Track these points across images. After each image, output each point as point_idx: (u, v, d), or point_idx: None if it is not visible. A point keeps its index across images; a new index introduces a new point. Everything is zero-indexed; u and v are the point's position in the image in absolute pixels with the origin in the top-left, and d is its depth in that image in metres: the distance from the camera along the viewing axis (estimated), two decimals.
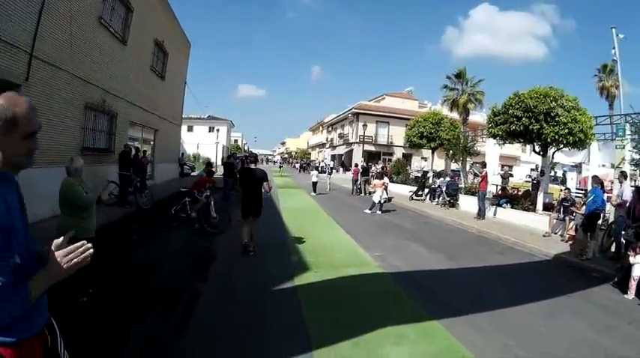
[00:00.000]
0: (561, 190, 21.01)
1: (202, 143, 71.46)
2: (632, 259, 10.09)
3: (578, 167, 29.55)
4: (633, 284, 10.00)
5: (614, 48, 30.96)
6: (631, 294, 9.98)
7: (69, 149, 14.94)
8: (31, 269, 2.25)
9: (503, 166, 47.10)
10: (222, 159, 36.14)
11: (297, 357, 5.76)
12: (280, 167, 34.77)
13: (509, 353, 6.48)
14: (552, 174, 38.68)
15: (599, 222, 15.32)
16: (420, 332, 6.99)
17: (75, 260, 2.27)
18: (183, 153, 45.68)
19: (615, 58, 32.37)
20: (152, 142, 29.69)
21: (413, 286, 9.69)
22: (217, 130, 76.13)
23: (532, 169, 37.16)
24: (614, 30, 29.57)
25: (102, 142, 18.71)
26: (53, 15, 13.82)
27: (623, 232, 12.44)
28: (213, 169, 19.29)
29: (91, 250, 2.33)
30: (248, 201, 11.95)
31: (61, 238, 2.35)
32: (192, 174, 36.66)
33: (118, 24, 20.02)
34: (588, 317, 8.49)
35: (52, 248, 2.30)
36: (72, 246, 2.29)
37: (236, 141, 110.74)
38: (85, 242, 2.33)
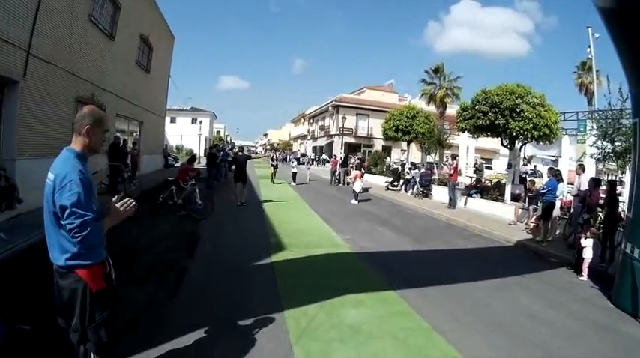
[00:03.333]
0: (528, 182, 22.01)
1: (185, 134, 71.24)
2: (582, 242, 11.01)
3: (555, 161, 30.52)
4: (585, 266, 10.89)
5: (589, 47, 32.25)
6: (585, 276, 10.84)
7: (62, 141, 15.12)
8: (100, 216, 3.59)
9: (482, 159, 48.13)
10: (205, 151, 36.88)
11: (271, 315, 6.91)
12: (273, 166, 30.00)
13: (453, 316, 7.58)
14: (532, 167, 39.80)
15: (559, 212, 16.42)
16: (377, 299, 8.14)
17: (127, 208, 3.77)
18: (166, 145, 46.07)
19: (590, 56, 33.62)
20: (137, 134, 30.20)
21: (377, 264, 10.78)
22: (200, 122, 75.77)
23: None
24: (589, 29, 30.78)
25: None
26: (49, 13, 14.42)
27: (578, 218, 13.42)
28: (195, 155, 20.91)
29: (136, 203, 3.84)
30: (239, 173, 19.77)
31: (116, 197, 3.82)
32: (176, 165, 37.28)
33: (106, 21, 20.57)
34: (538, 294, 9.39)
35: (112, 202, 3.74)
36: (125, 200, 3.80)
37: (218, 132, 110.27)
38: (131, 199, 3.84)
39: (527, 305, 8.60)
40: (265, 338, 6.07)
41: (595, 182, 13.29)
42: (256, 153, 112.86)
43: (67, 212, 3.31)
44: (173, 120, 73.66)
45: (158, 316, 6.53)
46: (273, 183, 31.78)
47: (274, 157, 34.92)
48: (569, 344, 6.84)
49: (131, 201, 3.83)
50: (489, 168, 44.02)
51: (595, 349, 6.73)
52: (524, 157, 33.08)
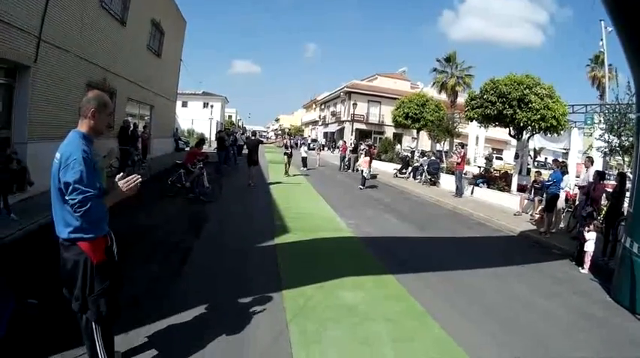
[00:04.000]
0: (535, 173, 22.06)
1: (197, 118, 70.85)
2: (586, 235, 11.09)
3: (566, 154, 30.53)
4: (587, 259, 10.97)
5: (602, 40, 32.07)
6: (586, 269, 10.91)
7: (72, 125, 15.54)
8: (102, 193, 3.88)
9: (493, 149, 48.15)
10: (215, 135, 36.96)
11: (270, 294, 7.16)
12: (287, 155, 25.78)
13: (448, 302, 7.78)
14: (543, 159, 39.76)
15: (564, 204, 16.51)
16: (375, 282, 8.38)
17: (131, 185, 3.98)
18: (177, 129, 46.20)
19: (603, 50, 33.47)
20: (148, 118, 30.44)
21: (378, 248, 11.02)
22: (212, 106, 75.30)
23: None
24: (602, 22, 30.59)
25: None
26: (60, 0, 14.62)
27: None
28: (205, 139, 21.31)
29: (140, 180, 4.06)
30: (250, 156, 21.80)
31: (121, 174, 4.08)
32: (186, 148, 37.46)
33: (117, 6, 20.72)
34: (535, 284, 9.51)
35: (116, 180, 3.96)
36: (128, 177, 4.00)
37: (230, 116, 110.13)
38: (136, 175, 4.05)
39: (524, 294, 8.73)
40: (262, 316, 6.32)
41: (599, 175, 13.34)
42: (267, 138, 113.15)
43: (70, 188, 3.59)
44: (185, 105, 73.26)
45: (161, 293, 6.77)
46: (288, 174, 26.90)
47: (288, 144, 27.99)
48: (561, 335, 6.94)
49: (136, 177, 4.06)
50: (500, 158, 44.01)
51: (586, 341, 6.82)
52: (534, 149, 33.04)
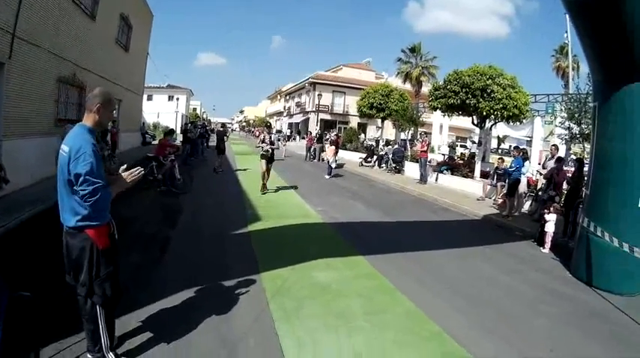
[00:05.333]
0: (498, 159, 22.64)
1: (162, 112, 70.02)
2: (546, 217, 11.64)
3: (530, 141, 31.17)
4: (548, 239, 11.51)
5: (566, 32, 32.86)
6: (547, 249, 11.47)
7: (45, 121, 15.95)
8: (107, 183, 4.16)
9: (458, 138, 48.80)
10: (181, 128, 36.76)
11: (249, 277, 7.54)
12: (265, 158, 17.38)
13: (416, 279, 8.29)
14: (507, 147, 40.46)
15: (526, 189, 17.06)
16: (345, 263, 8.86)
17: (133, 177, 4.42)
18: (144, 123, 46.01)
19: (567, 41, 34.24)
20: (116, 112, 30.15)
21: (346, 233, 11.44)
22: (177, 99, 75.31)
23: (472, 141, 38.72)
24: (567, 15, 31.26)
25: (73, 113, 19.38)
26: None
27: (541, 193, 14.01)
28: (173, 130, 21.16)
29: (142, 172, 4.50)
30: (219, 145, 23.26)
31: (125, 166, 4.45)
32: (153, 142, 37.26)
33: (88, 0, 20.49)
34: (498, 263, 10.00)
35: (120, 172, 4.35)
36: (132, 169, 4.42)
37: (195, 109, 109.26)
38: (139, 167, 4.46)
39: (488, 272, 9.21)
40: (244, 297, 6.69)
41: (561, 161, 13.89)
42: (232, 129, 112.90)
43: (81, 179, 3.87)
44: (150, 98, 71.91)
45: (146, 281, 7.02)
46: (265, 190, 17.36)
47: (267, 140, 17.03)
48: (524, 306, 7.40)
49: (139, 169, 4.49)
50: (465, 146, 44.63)
51: (548, 312, 7.26)
52: (498, 137, 33.67)
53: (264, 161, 16.65)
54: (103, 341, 4.40)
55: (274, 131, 69.35)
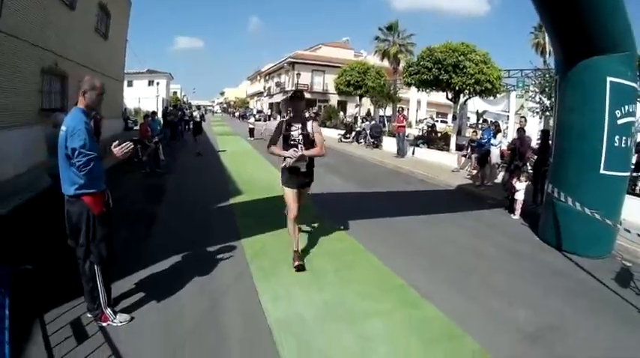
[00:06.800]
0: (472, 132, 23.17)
1: (143, 97, 68.88)
2: (517, 185, 12.11)
3: (508, 116, 31.65)
4: (518, 207, 12.03)
5: None
6: (517, 215, 11.96)
7: (30, 111, 16.09)
8: (100, 155, 4.78)
9: (438, 113, 49.30)
10: (163, 112, 36.73)
11: (231, 243, 8.16)
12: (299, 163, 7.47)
13: (385, 242, 8.90)
14: (488, 121, 41.07)
15: (499, 160, 17.58)
16: (319, 228, 9.50)
17: (124, 150, 4.96)
18: (125, 108, 45.89)
19: None
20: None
21: (322, 203, 11.94)
22: (157, 84, 73.95)
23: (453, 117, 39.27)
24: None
25: (57, 103, 19.52)
26: None
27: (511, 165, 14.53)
28: (155, 111, 21.41)
29: (132, 146, 5.06)
30: (195, 128, 23.14)
31: (117, 141, 4.98)
32: (135, 128, 37.15)
33: None
34: (467, 228, 10.52)
35: (112, 147, 4.95)
36: (122, 144, 4.96)
37: (175, 93, 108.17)
38: (129, 142, 5.02)
39: (456, 236, 9.72)
40: (226, 260, 7.34)
41: (523, 131, 14.43)
42: (214, 112, 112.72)
43: (77, 152, 4.55)
44: (130, 84, 70.39)
45: (136, 251, 7.54)
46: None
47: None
48: (486, 266, 7.94)
49: (128, 144, 5.05)
50: (444, 121, 45.08)
51: (509, 270, 7.81)
52: (477, 112, 34.19)
53: (293, 188, 7.26)
54: (102, 298, 5.03)
55: (255, 111, 69.54)
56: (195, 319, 5.33)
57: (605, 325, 5.93)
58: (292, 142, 7.07)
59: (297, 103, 7.34)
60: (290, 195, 7.10)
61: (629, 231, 7.62)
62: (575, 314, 6.15)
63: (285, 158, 6.97)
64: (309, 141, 7.10)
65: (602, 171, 8.96)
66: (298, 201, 7.24)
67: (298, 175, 7.06)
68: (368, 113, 38.00)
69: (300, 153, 6.78)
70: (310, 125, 7.22)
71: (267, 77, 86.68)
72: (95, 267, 4.95)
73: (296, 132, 7.10)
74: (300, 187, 7.26)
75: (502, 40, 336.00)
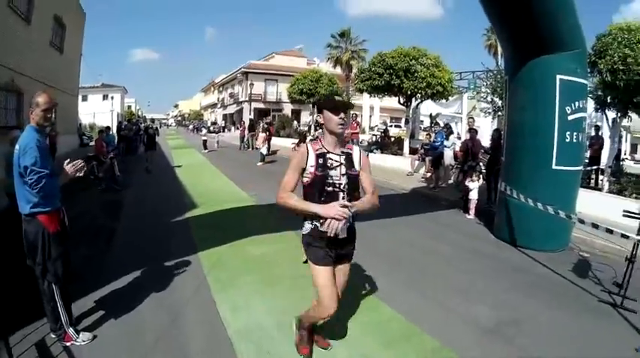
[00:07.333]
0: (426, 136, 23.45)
1: (98, 112, 68.08)
2: (470, 185, 12.32)
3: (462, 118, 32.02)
4: (472, 206, 12.24)
5: None
6: (471, 215, 12.20)
7: None
8: (54, 173, 4.73)
9: (392, 118, 49.67)
10: (118, 127, 36.17)
11: (189, 257, 8.05)
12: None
13: None
14: (440, 124, 41.49)
15: (452, 161, 17.73)
16: (277, 238, 9.54)
17: (76, 168, 4.90)
18: (80, 124, 45.23)
19: None
20: (53, 115, 29.48)
21: (278, 212, 11.61)
22: (112, 98, 73.51)
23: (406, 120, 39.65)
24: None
25: (13, 120, 19.31)
26: None
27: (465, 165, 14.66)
28: (109, 127, 21.16)
29: (84, 165, 5.02)
30: (149, 143, 21.43)
31: (68, 160, 4.92)
32: (90, 144, 36.61)
33: (23, 4, 19.84)
34: (422, 229, 10.69)
35: (64, 165, 4.84)
36: (74, 162, 4.89)
37: (129, 107, 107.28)
38: (80, 161, 4.97)
39: (413, 238, 9.85)
40: (184, 273, 7.29)
41: (475, 132, 14.60)
42: (169, 125, 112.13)
43: (28, 170, 4.52)
44: (85, 99, 69.47)
45: (96, 268, 7.39)
46: None
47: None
48: (443, 265, 8.07)
49: (80, 162, 5.01)
50: (399, 126, 45.41)
51: (466, 268, 7.91)
52: (430, 115, 34.54)
53: (328, 265, 4.39)
54: (63, 318, 4.93)
55: (209, 123, 69.22)
56: (157, 333, 5.29)
57: (566, 315, 6.08)
58: (330, 189, 4.12)
59: (339, 114, 4.09)
60: (325, 276, 4.26)
61: (582, 222, 7.74)
62: (535, 307, 6.28)
63: (319, 219, 4.03)
64: (355, 187, 4.26)
65: (554, 167, 9.23)
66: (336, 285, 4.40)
67: (337, 244, 4.25)
68: (317, 127, 38.10)
69: (351, 211, 3.93)
70: (358, 157, 4.34)
71: (220, 88, 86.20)
72: (53, 286, 4.89)
73: (337, 171, 4.13)
74: (339, 261, 4.47)
75: (457, 42, 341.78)
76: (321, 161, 4.10)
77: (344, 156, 4.18)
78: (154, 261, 7.85)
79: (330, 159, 4.12)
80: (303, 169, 4.16)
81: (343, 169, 4.13)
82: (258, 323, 5.60)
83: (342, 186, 4.12)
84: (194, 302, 6.16)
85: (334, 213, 3.80)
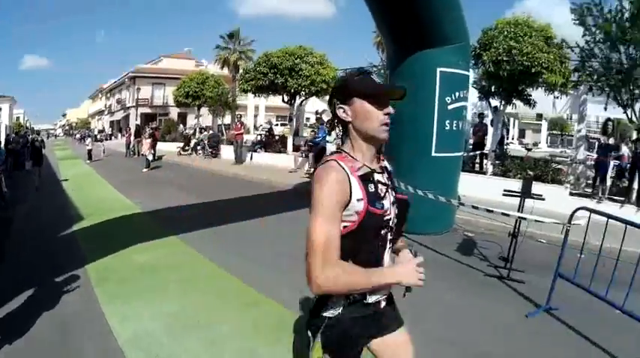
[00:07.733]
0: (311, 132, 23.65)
1: None
2: None
3: None
4: None
5: None
6: None
7: None
8: None
9: (278, 116, 49.98)
10: (5, 141, 34.70)
11: (77, 271, 7.80)
12: None
13: (222, 248, 9.23)
14: (323, 119, 41.95)
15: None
16: (161, 244, 9.57)
17: None
18: None
19: None
20: None
21: (162, 218, 12.12)
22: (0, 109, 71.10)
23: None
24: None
25: None
26: None
27: None
28: None
29: None
30: (35, 157, 19.62)
31: None
32: None
33: None
34: (303, 222, 10.17)
35: None
36: None
37: (18, 118, 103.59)
38: None
39: (291, 231, 9.55)
40: (74, 287, 7.07)
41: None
42: (56, 136, 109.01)
43: None
44: None
45: None
46: None
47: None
48: None
49: None
50: (285, 124, 45.59)
51: None
52: (316, 111, 34.78)
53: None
54: None
55: (96, 131, 67.69)
56: (48, 352, 5.18)
57: (455, 293, 6.58)
58: (384, 232, 2.42)
59: (385, 107, 2.43)
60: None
61: (463, 205, 8.46)
62: (424, 289, 6.04)
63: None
64: (404, 220, 2.59)
65: (433, 154, 9.79)
66: None
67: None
68: (202, 129, 37.96)
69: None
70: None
71: (108, 94, 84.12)
72: None
73: (387, 200, 2.40)
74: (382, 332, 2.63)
75: (348, 40, 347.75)
76: (371, 188, 2.30)
77: (386, 175, 2.50)
78: (46, 276, 7.62)
79: (379, 181, 2.38)
80: (344, 203, 2.22)
81: (392, 196, 2.46)
82: (146, 331, 5.62)
83: (390, 223, 2.44)
84: (84, 317, 6.05)
85: (417, 279, 2.35)
